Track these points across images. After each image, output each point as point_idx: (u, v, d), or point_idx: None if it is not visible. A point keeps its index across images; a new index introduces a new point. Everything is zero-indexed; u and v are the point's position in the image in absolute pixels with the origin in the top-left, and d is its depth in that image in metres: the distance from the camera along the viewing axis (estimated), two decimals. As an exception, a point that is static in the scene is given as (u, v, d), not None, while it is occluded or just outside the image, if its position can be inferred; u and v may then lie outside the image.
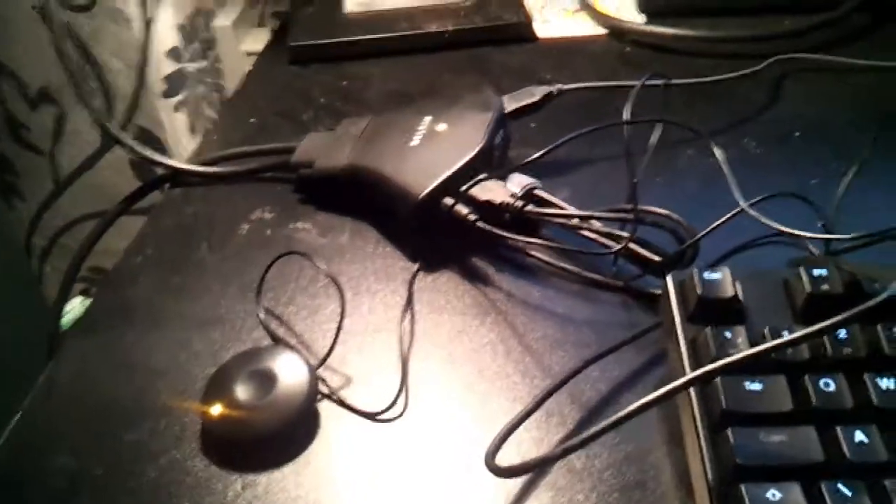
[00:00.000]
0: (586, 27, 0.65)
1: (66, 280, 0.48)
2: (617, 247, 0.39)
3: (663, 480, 0.32)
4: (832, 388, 0.30)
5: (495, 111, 0.47)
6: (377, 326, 0.40)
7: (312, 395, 0.35)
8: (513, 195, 0.42)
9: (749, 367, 0.29)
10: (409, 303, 0.41)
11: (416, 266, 0.43)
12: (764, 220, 0.36)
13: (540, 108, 0.51)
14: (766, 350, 0.28)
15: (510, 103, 0.50)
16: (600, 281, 0.41)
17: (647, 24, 0.64)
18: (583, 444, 0.29)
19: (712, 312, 0.33)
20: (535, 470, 0.32)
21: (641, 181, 0.40)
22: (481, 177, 0.43)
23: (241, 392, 0.35)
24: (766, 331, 0.31)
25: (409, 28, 0.62)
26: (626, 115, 0.41)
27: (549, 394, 0.34)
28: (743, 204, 0.37)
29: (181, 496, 0.33)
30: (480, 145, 0.44)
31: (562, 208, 0.43)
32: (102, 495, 0.33)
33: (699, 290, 0.33)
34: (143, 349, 0.39)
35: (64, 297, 0.49)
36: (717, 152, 0.39)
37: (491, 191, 0.43)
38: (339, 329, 0.38)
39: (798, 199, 0.41)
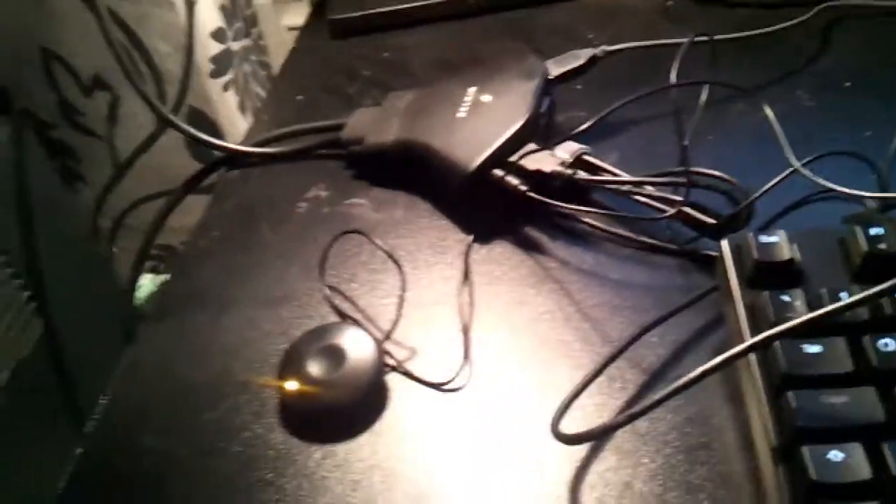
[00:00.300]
0: (627, -18, 0.64)
1: (138, 260, 0.50)
2: (671, 211, 0.39)
3: (727, 441, 0.33)
4: (892, 347, 0.30)
5: (539, 78, 0.47)
6: (436, 299, 0.41)
7: (380, 368, 0.37)
8: (562, 163, 0.43)
9: (808, 330, 0.30)
10: (467, 275, 0.42)
11: (470, 238, 0.44)
12: (817, 179, 0.36)
13: (585, 71, 0.51)
14: (822, 315, 0.28)
15: (554, 68, 0.50)
16: (655, 245, 0.41)
17: (688, -24, 0.63)
18: (645, 411, 0.30)
19: (769, 276, 0.33)
20: (599, 437, 0.33)
21: (692, 142, 0.40)
22: (530, 147, 0.44)
23: (314, 367, 0.36)
24: (824, 292, 0.32)
25: (447, -4, 0.62)
26: (672, 76, 0.41)
27: (609, 360, 0.35)
28: (796, 163, 0.37)
29: (264, 468, 0.35)
30: (527, 115, 0.44)
31: (613, 174, 0.43)
32: (190, 473, 0.36)
33: (755, 255, 0.33)
34: (216, 330, 0.41)
35: (136, 276, 0.51)
36: (767, 110, 0.39)
37: (540, 160, 0.43)
38: (400, 304, 0.39)
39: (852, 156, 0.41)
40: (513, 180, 0.43)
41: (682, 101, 0.41)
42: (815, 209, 0.41)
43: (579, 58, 0.51)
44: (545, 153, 0.44)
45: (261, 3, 0.68)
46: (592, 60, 0.51)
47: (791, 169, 0.37)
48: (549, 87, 0.48)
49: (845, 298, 0.31)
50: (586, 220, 0.43)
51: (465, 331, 0.39)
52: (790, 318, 0.31)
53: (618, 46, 0.52)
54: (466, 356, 0.38)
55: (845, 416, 0.29)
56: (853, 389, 0.29)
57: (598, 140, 0.46)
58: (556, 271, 0.41)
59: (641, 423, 0.34)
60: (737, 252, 0.35)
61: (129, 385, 0.40)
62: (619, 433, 0.34)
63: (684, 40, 0.45)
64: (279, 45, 0.69)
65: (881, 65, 0.52)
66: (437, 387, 0.37)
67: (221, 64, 0.64)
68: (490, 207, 0.44)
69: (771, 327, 0.31)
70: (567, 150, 0.44)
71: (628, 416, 0.31)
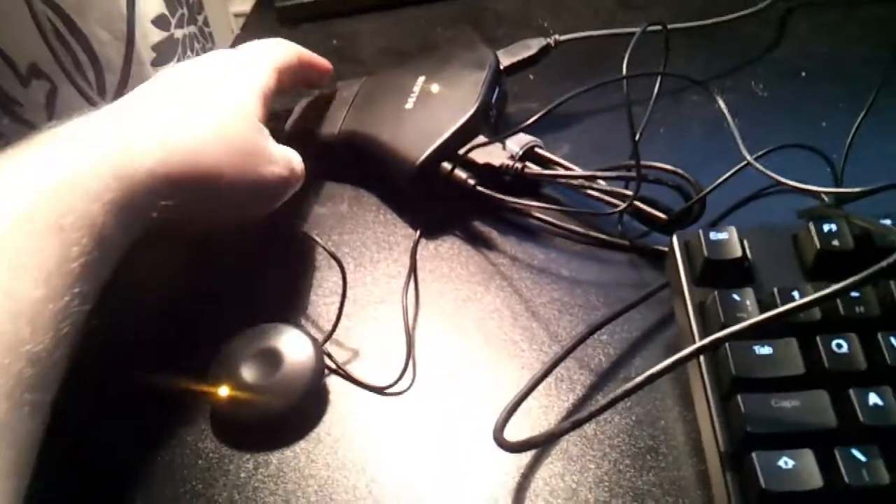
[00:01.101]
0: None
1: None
2: (622, 206, 0.38)
3: (675, 445, 0.32)
4: (845, 349, 0.29)
5: (490, 69, 0.45)
6: (381, 297, 0.39)
7: (320, 371, 0.35)
8: (512, 156, 0.42)
9: (758, 331, 0.29)
10: (412, 272, 0.40)
11: (417, 234, 0.42)
12: (769, 173, 0.35)
13: (537, 61, 0.50)
14: (773, 316, 0.27)
15: (505, 58, 0.49)
16: (606, 241, 0.40)
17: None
18: (591, 416, 0.29)
19: (720, 274, 0.32)
20: (543, 445, 0.32)
21: (645, 135, 0.39)
22: (479, 140, 0.42)
23: (248, 372, 0.35)
24: (776, 291, 0.31)
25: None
26: (624, 68, 0.39)
27: (555, 362, 0.34)
28: (748, 157, 0.36)
29: (194, 479, 0.33)
30: (476, 106, 0.43)
31: (564, 167, 0.42)
32: (113, 483, 0.34)
33: (706, 252, 0.32)
34: (142, 329, 0.39)
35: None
36: (720, 102, 0.38)
37: (489, 153, 0.42)
38: (342, 303, 0.38)
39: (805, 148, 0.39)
40: (461, 174, 0.42)
41: (637, 92, 0.40)
42: (769, 203, 0.40)
43: (531, 47, 0.49)
44: (495, 146, 0.42)
45: (207, -11, 0.66)
46: (545, 50, 0.50)
47: (744, 163, 0.36)
48: (500, 77, 0.47)
49: (798, 297, 0.30)
50: (536, 214, 0.42)
51: (409, 332, 0.37)
52: (741, 318, 0.30)
53: (570, 36, 0.51)
54: (409, 359, 0.36)
55: (796, 421, 0.28)
56: (805, 393, 0.28)
57: (548, 132, 0.45)
58: (504, 268, 0.40)
59: (588, 427, 0.33)
60: (686, 248, 0.33)
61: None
62: (565, 437, 0.33)
63: (637, 29, 0.44)
64: (226, 33, 0.67)
65: (837, 54, 0.51)
66: (378, 391, 0.35)
67: (164, 52, 0.62)
68: (438, 202, 0.43)
69: (721, 327, 0.30)
70: (518, 143, 0.42)
71: (573, 422, 0.29)
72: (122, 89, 0.62)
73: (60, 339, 0.29)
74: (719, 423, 0.29)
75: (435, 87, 0.45)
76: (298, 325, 0.37)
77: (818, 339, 0.29)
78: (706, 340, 0.28)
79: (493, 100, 0.45)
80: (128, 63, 0.61)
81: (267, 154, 0.38)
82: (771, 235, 0.34)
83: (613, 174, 0.39)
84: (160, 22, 0.61)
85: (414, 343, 0.37)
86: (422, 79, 0.46)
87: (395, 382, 0.36)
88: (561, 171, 0.41)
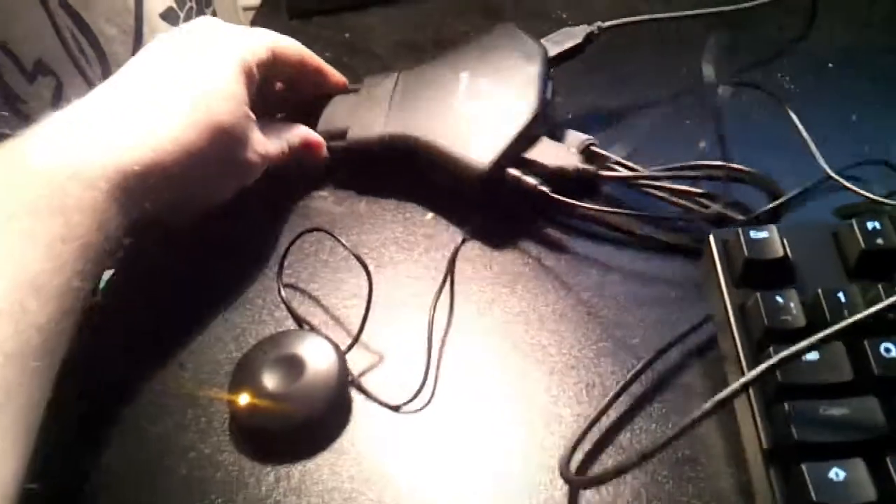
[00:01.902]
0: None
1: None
2: (712, 207, 0.36)
3: (715, 454, 0.31)
4: (894, 353, 0.28)
5: (542, 61, 0.42)
6: (404, 301, 0.38)
7: (343, 381, 0.34)
8: (582, 158, 0.39)
9: (804, 335, 0.27)
10: (448, 280, 0.38)
11: (459, 240, 0.40)
12: (856, 189, 0.34)
13: (582, 50, 0.46)
14: (828, 336, 0.26)
15: (551, 48, 0.44)
16: (679, 245, 0.38)
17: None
18: (657, 450, 0.27)
19: (761, 274, 0.31)
20: (612, 479, 0.30)
21: (695, 133, 0.37)
22: (545, 142, 0.40)
23: (269, 380, 0.33)
24: (820, 293, 0.29)
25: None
26: (706, 72, 0.37)
27: (611, 401, 0.32)
28: (831, 172, 0.35)
29: (212, 492, 0.32)
30: (537, 104, 0.40)
31: (625, 166, 0.40)
32: (130, 493, 0.33)
33: (746, 252, 0.31)
34: (162, 335, 0.38)
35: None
36: (793, 116, 0.36)
37: (558, 156, 0.39)
38: (367, 309, 0.36)
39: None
40: (531, 180, 0.39)
41: (669, 77, 0.39)
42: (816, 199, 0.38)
43: (575, 36, 0.46)
44: (560, 147, 0.40)
45: (215, -18, 0.65)
46: (589, 38, 0.46)
47: (826, 176, 0.35)
48: (549, 69, 0.43)
49: (843, 299, 0.29)
50: (606, 219, 0.40)
51: (430, 343, 0.35)
52: (784, 322, 0.29)
53: (614, 22, 0.47)
54: (426, 376, 0.34)
55: (846, 429, 0.27)
56: (853, 400, 0.27)
57: (596, 127, 0.43)
58: (533, 267, 0.39)
59: (623, 436, 0.31)
60: (724, 248, 0.32)
61: (61, 392, 0.36)
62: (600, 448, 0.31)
63: (682, 13, 0.43)
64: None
65: (863, 45, 0.49)
66: (395, 409, 0.34)
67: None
68: (488, 205, 0.41)
69: (764, 332, 0.29)
70: (573, 141, 0.41)
71: (641, 455, 0.27)
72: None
73: (65, 311, 0.31)
74: (764, 432, 0.28)
75: (483, 83, 0.42)
76: (321, 331, 0.36)
77: (866, 343, 0.28)
78: (759, 370, 0.26)
79: (548, 95, 0.42)
80: (135, 58, 0.60)
81: (247, 137, 0.39)
82: (811, 233, 0.32)
83: (693, 173, 0.37)
84: (168, 16, 0.60)
85: (440, 355, 0.35)
86: (465, 74, 0.43)
87: (412, 400, 0.34)
88: (641, 172, 0.39)
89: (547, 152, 0.39)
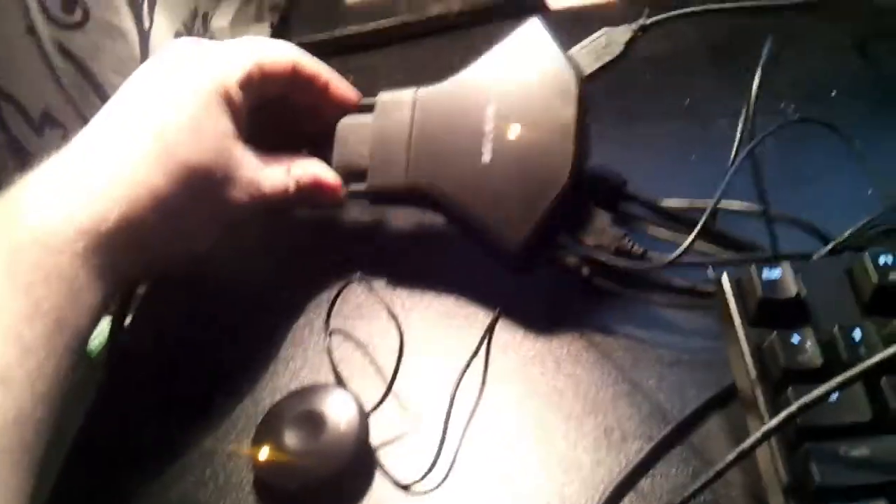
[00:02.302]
0: (600, -8, 0.61)
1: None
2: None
3: (734, 497, 0.30)
4: (913, 390, 0.28)
5: (577, 97, 0.37)
6: (435, 366, 0.37)
7: (363, 442, 0.33)
8: (625, 235, 0.37)
9: (823, 374, 0.27)
10: (482, 351, 0.37)
11: (496, 311, 0.38)
12: None
13: (624, 57, 0.40)
14: (855, 376, 0.26)
15: (587, 62, 0.39)
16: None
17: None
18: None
19: (776, 313, 0.31)
20: None
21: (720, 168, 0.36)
22: (585, 210, 0.37)
23: (290, 436, 0.33)
24: (836, 331, 0.29)
25: (413, 13, 0.59)
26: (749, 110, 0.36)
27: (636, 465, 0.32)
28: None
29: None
30: (572, 162, 0.36)
31: (651, 205, 0.39)
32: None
33: (760, 291, 0.31)
34: (185, 385, 0.38)
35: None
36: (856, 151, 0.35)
37: (599, 232, 0.37)
38: (396, 369, 0.35)
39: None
40: (572, 259, 0.37)
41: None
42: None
43: (616, 43, 0.40)
44: (602, 220, 0.37)
45: (219, 27, 0.65)
46: (630, 44, 0.40)
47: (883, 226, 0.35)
48: (584, 94, 0.38)
49: (859, 336, 0.29)
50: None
51: (447, 421, 0.34)
52: (802, 362, 0.29)
53: (661, 16, 0.41)
54: (437, 457, 0.33)
55: (867, 471, 0.27)
56: (874, 439, 0.27)
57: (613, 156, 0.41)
58: (546, 311, 0.38)
59: (644, 481, 0.31)
60: (738, 287, 0.32)
61: (83, 449, 0.36)
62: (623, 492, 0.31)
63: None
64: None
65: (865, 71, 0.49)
66: (405, 488, 0.33)
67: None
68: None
69: (782, 372, 0.29)
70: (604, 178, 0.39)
71: None
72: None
73: (38, 398, 0.28)
74: (786, 475, 0.27)
75: (513, 131, 0.38)
76: (347, 387, 0.36)
77: (883, 381, 0.28)
78: (782, 416, 0.26)
79: (587, 135, 0.38)
80: (142, 107, 0.60)
81: (232, 175, 0.35)
82: (824, 269, 0.32)
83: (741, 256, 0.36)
84: (174, 64, 0.61)
85: (447, 435, 0.34)
86: (491, 109, 0.38)
87: (421, 479, 0.33)
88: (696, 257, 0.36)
89: (590, 229, 0.37)
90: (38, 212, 0.31)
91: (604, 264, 0.36)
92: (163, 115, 0.34)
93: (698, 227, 0.34)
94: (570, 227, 0.37)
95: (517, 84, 0.39)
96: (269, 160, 0.38)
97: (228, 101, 0.36)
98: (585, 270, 0.37)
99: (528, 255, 0.37)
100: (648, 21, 0.41)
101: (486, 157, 0.38)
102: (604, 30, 0.41)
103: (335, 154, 0.42)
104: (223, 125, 0.35)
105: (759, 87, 0.36)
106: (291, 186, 0.39)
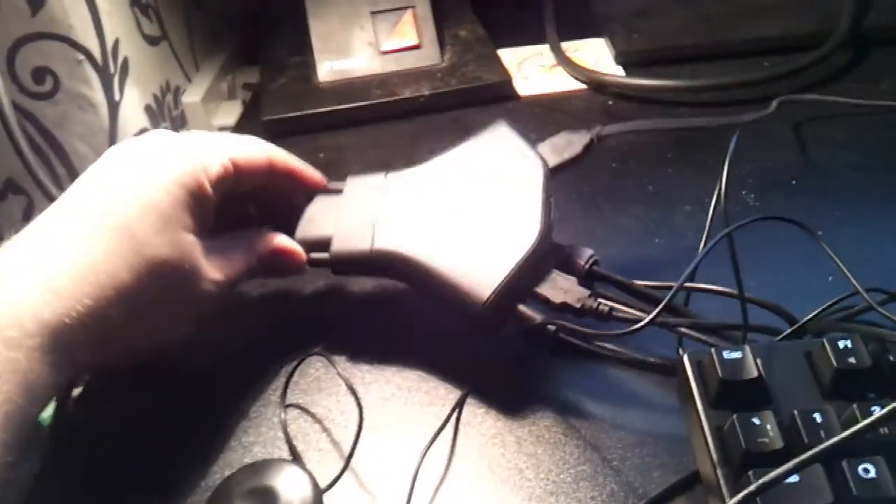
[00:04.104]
0: (567, 82, 0.63)
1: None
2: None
3: (698, 583, 0.30)
4: (872, 473, 0.28)
5: (545, 177, 0.39)
6: (396, 442, 0.36)
7: None
8: (591, 294, 0.36)
9: (783, 457, 0.27)
10: (446, 425, 0.36)
11: (465, 392, 0.38)
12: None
13: (581, 159, 0.43)
14: (808, 459, 0.26)
15: (550, 157, 0.42)
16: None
17: (626, 76, 0.63)
18: None
19: (736, 395, 0.31)
20: None
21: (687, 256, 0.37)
22: (553, 276, 0.37)
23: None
24: (796, 414, 0.29)
25: (385, 95, 0.61)
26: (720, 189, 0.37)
27: None
28: (871, 302, 0.34)
29: None
30: (540, 229, 0.37)
31: (625, 285, 0.39)
32: None
33: (720, 372, 0.31)
34: (133, 458, 0.37)
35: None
36: (824, 246, 0.36)
37: (565, 290, 0.37)
38: (353, 446, 0.34)
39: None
40: (537, 317, 0.36)
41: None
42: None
43: (574, 143, 0.43)
44: (568, 280, 0.37)
45: (189, 103, 0.66)
46: (588, 148, 0.43)
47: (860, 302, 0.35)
48: (550, 183, 0.40)
49: (819, 419, 0.29)
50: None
51: (409, 499, 0.33)
52: (762, 444, 0.29)
53: (615, 128, 0.45)
54: None
55: (831, 556, 0.26)
56: (836, 525, 0.27)
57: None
58: (509, 388, 0.38)
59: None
60: (698, 369, 0.32)
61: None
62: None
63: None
64: (209, 146, 0.67)
65: (827, 161, 0.51)
66: None
67: (146, 166, 0.61)
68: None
69: (743, 455, 0.29)
70: (577, 259, 0.39)
71: None
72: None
73: None
74: (749, 561, 0.27)
75: (482, 205, 0.39)
76: (302, 462, 0.35)
77: (844, 463, 0.28)
78: (740, 497, 0.27)
79: (553, 215, 0.39)
80: (108, 177, 0.60)
81: (193, 269, 0.35)
82: (784, 353, 0.33)
83: (716, 322, 0.37)
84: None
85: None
86: (461, 188, 0.40)
87: None
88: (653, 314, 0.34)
89: (556, 286, 0.37)
90: None
91: (569, 323, 0.36)
92: (130, 210, 0.34)
93: (669, 295, 0.34)
94: (537, 287, 0.37)
95: (487, 168, 0.41)
96: (231, 244, 0.38)
97: (200, 197, 0.36)
98: (551, 328, 0.36)
99: (494, 316, 0.36)
100: (604, 132, 0.44)
101: (455, 226, 0.39)
102: (563, 133, 0.44)
103: (300, 226, 0.42)
104: (183, 220, 0.35)
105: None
106: (254, 262, 0.39)
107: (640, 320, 0.34)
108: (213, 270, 0.36)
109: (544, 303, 0.37)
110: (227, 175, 0.37)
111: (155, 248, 0.34)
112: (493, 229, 0.38)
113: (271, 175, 0.40)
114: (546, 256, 0.38)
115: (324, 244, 0.41)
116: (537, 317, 0.37)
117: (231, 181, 0.38)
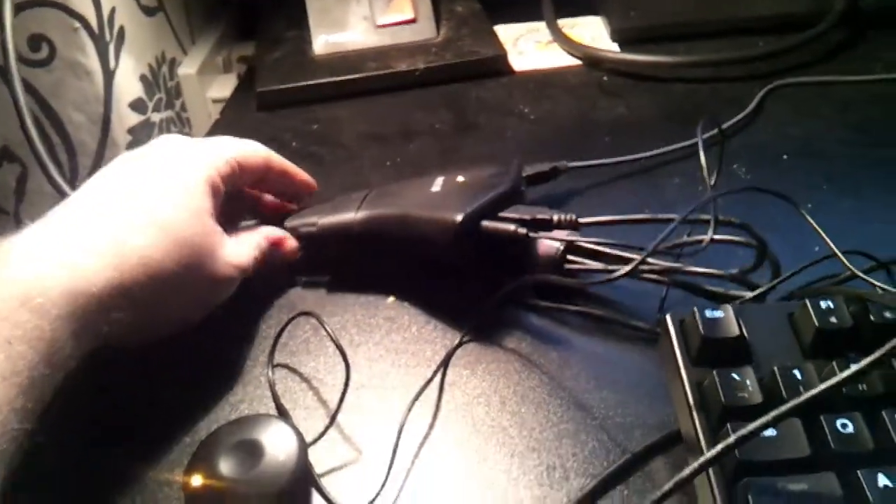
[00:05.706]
0: (562, 58, 0.63)
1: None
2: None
3: (676, 534, 0.30)
4: (850, 429, 0.28)
5: (515, 165, 0.43)
6: (382, 400, 0.37)
7: (300, 473, 0.32)
8: (559, 218, 0.40)
9: (761, 411, 0.27)
10: (436, 381, 0.37)
11: (458, 339, 0.39)
12: (875, 282, 0.34)
13: (552, 178, 0.48)
14: (785, 412, 0.26)
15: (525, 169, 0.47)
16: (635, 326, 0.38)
17: (621, 52, 0.63)
18: None
19: (717, 353, 0.31)
20: None
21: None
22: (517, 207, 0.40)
23: (225, 465, 0.32)
24: (776, 370, 0.30)
25: (380, 68, 0.61)
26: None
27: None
28: (856, 271, 0.34)
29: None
30: (512, 182, 0.41)
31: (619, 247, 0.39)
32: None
33: (702, 331, 0.31)
34: (120, 413, 0.37)
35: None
36: (809, 219, 0.36)
37: (533, 210, 0.40)
38: (340, 402, 0.35)
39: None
40: (509, 226, 0.39)
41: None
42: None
43: (544, 166, 0.48)
44: (540, 207, 0.41)
45: (185, 75, 0.66)
46: (555, 171, 0.48)
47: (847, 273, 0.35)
48: (521, 181, 0.44)
49: (799, 376, 0.29)
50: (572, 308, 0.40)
51: (394, 455, 0.34)
52: (741, 399, 0.29)
53: (579, 164, 0.49)
54: (383, 487, 0.33)
55: (806, 506, 0.26)
56: (812, 476, 0.27)
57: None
58: (494, 349, 0.38)
59: (582, 516, 0.31)
60: (681, 328, 0.32)
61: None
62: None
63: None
64: (204, 118, 0.67)
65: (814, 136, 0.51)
66: None
67: (140, 136, 0.61)
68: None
69: (722, 409, 0.29)
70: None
71: None
72: (94, 172, 0.61)
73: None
74: (725, 511, 0.27)
75: (460, 178, 0.42)
76: (289, 419, 0.35)
77: (822, 418, 0.28)
78: (719, 448, 0.26)
79: (524, 189, 0.43)
80: (102, 146, 0.60)
81: (216, 252, 0.37)
82: (767, 313, 0.33)
83: (687, 240, 0.37)
84: (137, 105, 0.61)
85: (410, 467, 0.34)
86: (441, 178, 0.43)
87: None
88: (616, 217, 0.39)
89: (523, 210, 0.40)
90: (26, 269, 0.31)
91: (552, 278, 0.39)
92: (155, 195, 0.36)
93: (657, 241, 0.34)
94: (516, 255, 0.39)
95: (465, 167, 0.44)
96: (242, 235, 0.41)
97: (214, 190, 0.39)
98: (522, 230, 0.38)
99: (467, 238, 0.38)
100: (570, 164, 0.49)
101: (435, 189, 0.42)
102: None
103: (288, 220, 0.45)
104: (210, 210, 0.38)
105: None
106: (258, 255, 0.41)
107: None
108: (231, 256, 0.38)
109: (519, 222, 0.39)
110: (234, 172, 0.40)
111: (183, 229, 0.36)
112: (469, 190, 0.41)
113: (268, 173, 0.43)
114: (517, 200, 0.41)
115: (311, 226, 0.44)
116: (509, 227, 0.38)
117: (236, 176, 0.41)
